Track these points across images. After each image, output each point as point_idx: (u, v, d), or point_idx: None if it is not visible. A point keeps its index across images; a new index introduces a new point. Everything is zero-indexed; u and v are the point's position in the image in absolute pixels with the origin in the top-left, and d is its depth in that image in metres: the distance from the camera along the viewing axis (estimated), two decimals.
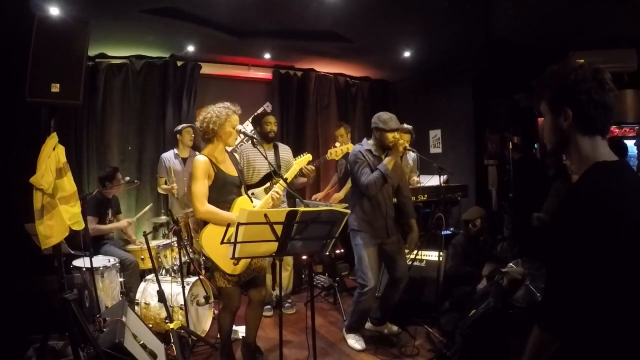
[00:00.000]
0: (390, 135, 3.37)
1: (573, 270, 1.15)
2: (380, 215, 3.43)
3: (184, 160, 4.82)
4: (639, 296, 1.16)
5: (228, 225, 2.56)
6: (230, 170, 2.90)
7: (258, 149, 2.92)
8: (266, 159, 2.89)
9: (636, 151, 5.70)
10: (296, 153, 4.52)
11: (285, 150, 4.27)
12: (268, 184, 3.91)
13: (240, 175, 2.97)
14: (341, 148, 3.70)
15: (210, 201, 2.77)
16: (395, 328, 3.71)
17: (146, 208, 4.60)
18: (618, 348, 1.17)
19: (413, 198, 4.33)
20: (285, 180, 2.92)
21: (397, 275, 3.50)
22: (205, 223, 2.78)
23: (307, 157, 3.36)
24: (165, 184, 4.72)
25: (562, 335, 1.19)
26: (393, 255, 3.49)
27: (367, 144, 3.51)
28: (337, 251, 5.23)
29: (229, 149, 3.08)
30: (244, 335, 3.17)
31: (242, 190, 3.02)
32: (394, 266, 3.50)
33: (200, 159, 2.78)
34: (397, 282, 3.51)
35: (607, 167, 1.23)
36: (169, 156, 4.81)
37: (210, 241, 2.73)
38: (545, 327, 1.21)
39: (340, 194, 4.88)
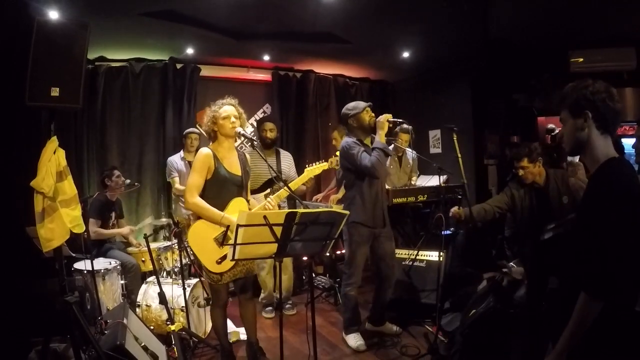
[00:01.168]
0: (365, 115, 3.41)
1: (619, 244, 1.40)
2: (376, 203, 3.44)
3: (190, 163, 4.85)
4: None
5: (227, 227, 2.58)
6: (234, 168, 2.89)
7: (257, 152, 2.92)
8: (266, 161, 2.90)
9: (634, 151, 5.71)
10: (297, 155, 4.54)
11: (286, 158, 4.26)
12: (269, 190, 3.91)
13: (245, 176, 2.96)
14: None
15: (207, 194, 2.78)
16: (395, 328, 3.72)
17: (147, 221, 4.60)
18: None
19: (413, 199, 4.35)
20: (289, 188, 2.92)
21: (387, 273, 3.55)
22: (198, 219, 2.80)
23: (323, 165, 3.30)
24: (179, 184, 4.76)
25: (612, 299, 1.41)
26: (384, 253, 3.51)
27: (352, 136, 3.48)
28: (338, 252, 5.23)
29: (241, 147, 3.09)
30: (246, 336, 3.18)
31: (246, 192, 3.00)
32: (384, 265, 3.53)
33: (203, 151, 2.81)
34: (386, 280, 3.56)
35: (619, 161, 1.53)
36: (176, 159, 4.85)
37: (197, 237, 2.75)
38: (597, 295, 1.42)
39: (339, 195, 4.88)
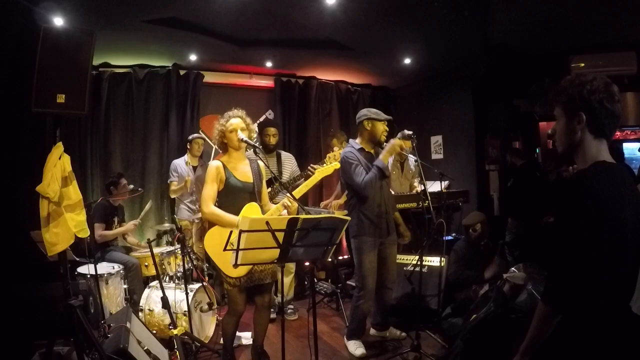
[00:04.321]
0: (382, 126, 3.41)
1: (572, 252, 1.33)
2: (381, 214, 3.43)
3: (194, 168, 4.92)
4: (621, 278, 1.38)
5: (230, 232, 2.60)
6: (245, 177, 2.96)
7: (259, 157, 2.95)
8: (267, 167, 2.94)
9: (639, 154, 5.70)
10: (299, 161, 4.56)
11: (288, 159, 4.30)
12: (269, 189, 3.95)
13: (257, 183, 3.00)
14: (339, 152, 3.68)
15: (221, 204, 2.87)
16: (398, 332, 3.73)
17: (147, 206, 4.59)
18: (605, 321, 1.37)
19: (414, 204, 4.37)
20: (286, 187, 2.95)
21: (385, 276, 3.54)
22: (211, 226, 2.85)
23: (335, 165, 3.26)
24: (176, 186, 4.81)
25: (563, 309, 1.37)
26: (386, 256, 3.52)
27: (356, 143, 3.50)
28: (340, 257, 5.24)
29: (249, 155, 3.12)
30: (249, 341, 3.20)
31: (261, 197, 3.04)
32: (384, 269, 3.53)
33: (213, 164, 2.90)
34: (386, 283, 3.56)
35: (605, 166, 1.42)
36: (180, 162, 4.91)
37: (213, 243, 2.79)
38: (549, 302, 1.39)
39: (340, 200, 4.90)
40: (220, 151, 3.06)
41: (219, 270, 2.85)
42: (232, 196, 2.89)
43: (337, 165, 3.28)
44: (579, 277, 1.32)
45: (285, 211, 2.90)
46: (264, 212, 2.97)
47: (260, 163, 3.08)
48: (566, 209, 1.38)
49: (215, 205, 2.86)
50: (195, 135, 5.03)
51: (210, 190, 2.84)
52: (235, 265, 2.64)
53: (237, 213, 2.83)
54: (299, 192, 3.05)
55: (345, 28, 4.42)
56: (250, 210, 2.87)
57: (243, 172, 2.97)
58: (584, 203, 1.32)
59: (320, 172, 3.19)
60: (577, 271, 1.33)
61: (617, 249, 1.33)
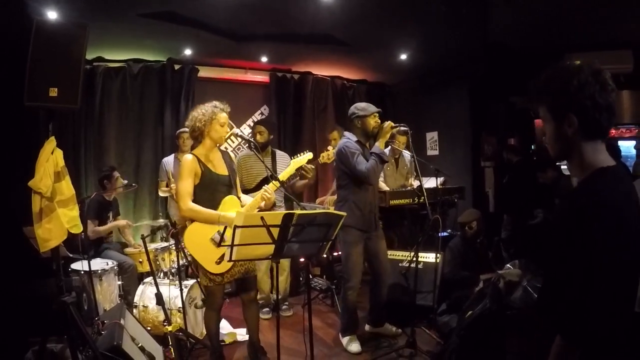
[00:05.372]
0: (372, 120, 3.42)
1: (589, 279, 1.10)
2: (369, 207, 3.46)
3: None
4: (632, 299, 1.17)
5: (225, 227, 2.59)
6: (220, 169, 2.91)
7: (255, 153, 2.93)
8: (262, 162, 2.91)
9: (635, 152, 5.74)
10: (293, 156, 4.54)
11: (282, 157, 4.27)
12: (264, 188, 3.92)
13: (232, 175, 2.97)
14: (333, 151, 3.67)
15: (198, 199, 2.79)
16: (394, 329, 3.73)
17: (146, 222, 4.56)
18: (622, 349, 1.16)
19: (409, 200, 4.37)
20: (281, 182, 2.93)
21: (379, 271, 3.56)
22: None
23: (308, 156, 3.25)
24: (166, 187, 4.75)
25: (588, 345, 1.13)
26: (376, 251, 3.54)
27: (352, 135, 3.50)
28: (335, 253, 5.23)
29: (225, 148, 3.08)
30: (245, 337, 3.20)
31: (237, 190, 3.02)
32: (377, 263, 3.55)
33: (187, 157, 2.81)
34: (380, 278, 3.58)
35: (607, 173, 1.21)
36: (169, 160, 4.84)
37: (194, 239, 2.75)
38: (572, 339, 1.14)
39: (335, 197, 4.89)
40: (192, 137, 2.97)
41: (199, 267, 2.80)
42: (210, 189, 2.83)
43: (310, 155, 3.27)
44: (601, 307, 1.10)
45: (263, 203, 2.88)
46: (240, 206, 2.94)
47: (232, 155, 3.07)
48: (573, 233, 1.14)
49: (192, 200, 2.78)
50: (181, 129, 4.84)
51: (186, 186, 2.75)
52: (219, 261, 2.65)
53: (216, 207, 2.79)
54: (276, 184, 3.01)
55: (342, 24, 4.40)
56: (230, 204, 2.84)
57: (218, 164, 2.92)
58: (608, 221, 1.10)
59: (296, 162, 3.20)
60: (609, 303, 1.10)
61: (631, 263, 1.14)
